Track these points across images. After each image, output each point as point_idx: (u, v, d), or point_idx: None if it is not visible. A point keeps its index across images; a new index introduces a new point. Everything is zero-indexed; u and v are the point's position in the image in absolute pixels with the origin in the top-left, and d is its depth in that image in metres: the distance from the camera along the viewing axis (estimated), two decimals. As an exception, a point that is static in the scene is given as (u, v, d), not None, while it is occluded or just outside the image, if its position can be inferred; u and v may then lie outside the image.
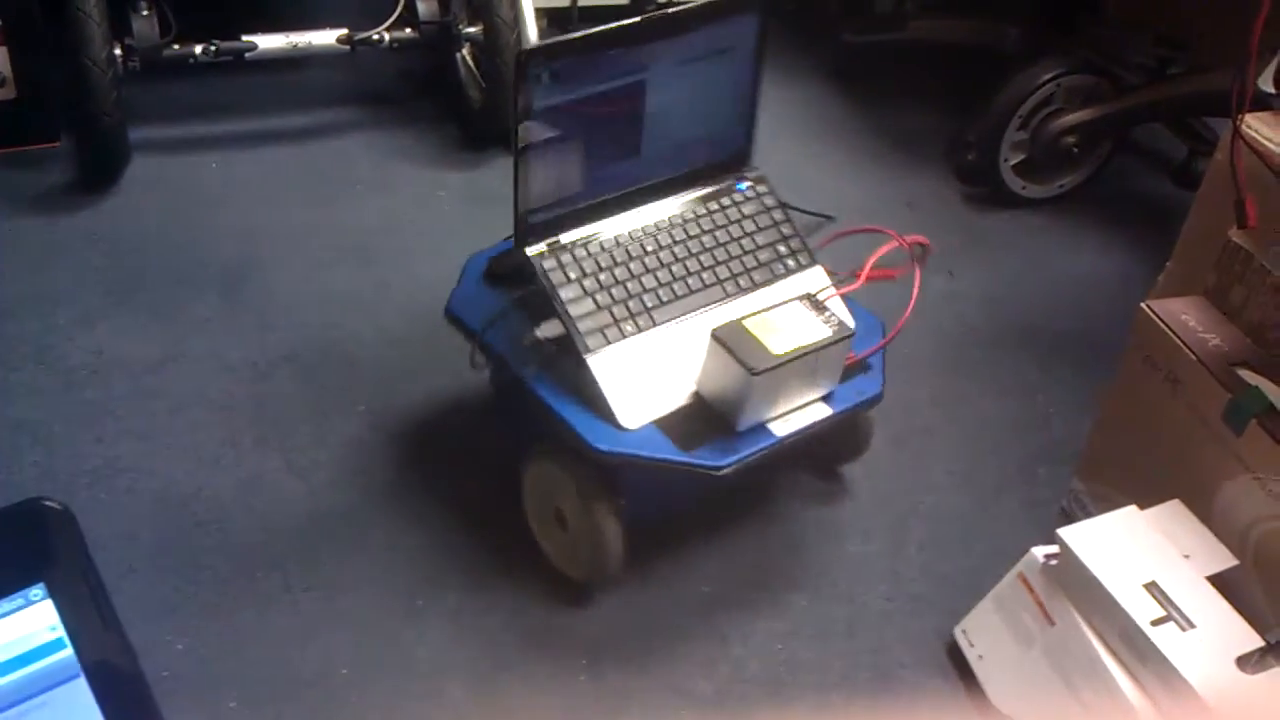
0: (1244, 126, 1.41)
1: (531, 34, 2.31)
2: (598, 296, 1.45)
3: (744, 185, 1.60)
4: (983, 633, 1.48)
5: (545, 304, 1.44)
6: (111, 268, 2.03)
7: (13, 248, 2.05)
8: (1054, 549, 1.37)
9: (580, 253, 1.47)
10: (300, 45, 2.31)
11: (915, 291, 1.52)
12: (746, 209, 1.58)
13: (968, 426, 1.86)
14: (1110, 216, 2.42)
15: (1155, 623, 1.25)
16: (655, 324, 1.46)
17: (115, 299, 1.96)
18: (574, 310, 1.43)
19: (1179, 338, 1.45)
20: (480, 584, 1.54)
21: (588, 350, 1.41)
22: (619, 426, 1.38)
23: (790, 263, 1.58)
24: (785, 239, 1.59)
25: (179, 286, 2.00)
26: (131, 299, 1.96)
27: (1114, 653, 1.29)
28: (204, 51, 2.24)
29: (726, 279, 1.53)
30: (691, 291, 1.50)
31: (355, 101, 2.59)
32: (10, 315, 1.90)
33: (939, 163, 2.53)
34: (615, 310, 1.44)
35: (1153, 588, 1.28)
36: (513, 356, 1.47)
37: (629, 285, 1.47)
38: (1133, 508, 1.39)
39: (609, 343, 1.42)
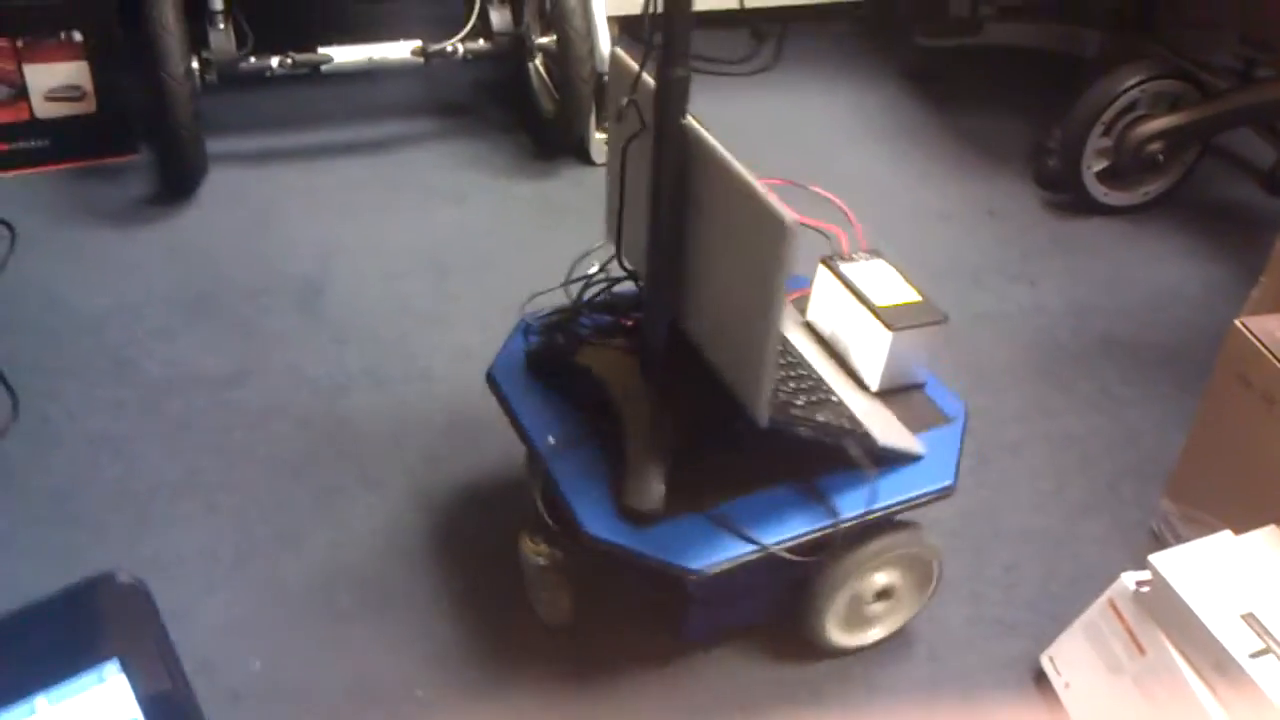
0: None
1: (604, 44, 2.30)
2: None
3: None
4: (1070, 660, 1.44)
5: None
6: (189, 280, 2.04)
7: (92, 260, 2.08)
8: (1145, 575, 1.33)
9: None
10: (376, 59, 2.32)
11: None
12: None
13: (1054, 443, 1.82)
14: (1197, 224, 2.36)
15: (1253, 656, 1.21)
16: None
17: (193, 312, 1.97)
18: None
19: (1276, 357, 1.40)
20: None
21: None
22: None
23: None
24: None
25: (256, 299, 2.01)
26: (209, 312, 1.98)
27: (1209, 684, 1.25)
28: (280, 64, 2.25)
29: None
30: None
31: (428, 112, 2.60)
32: (90, 328, 1.92)
33: (1019, 168, 2.49)
34: None
35: (1250, 619, 1.24)
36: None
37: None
38: (1227, 533, 1.35)
39: None
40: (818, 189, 1.46)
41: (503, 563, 1.56)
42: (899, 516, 1.38)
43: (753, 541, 1.26)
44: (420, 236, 2.20)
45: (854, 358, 1.45)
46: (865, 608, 1.46)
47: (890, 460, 1.36)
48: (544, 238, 2.21)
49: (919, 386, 1.46)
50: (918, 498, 1.35)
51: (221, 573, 1.55)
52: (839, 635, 1.47)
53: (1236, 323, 1.47)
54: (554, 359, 1.45)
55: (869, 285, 1.44)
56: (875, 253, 1.52)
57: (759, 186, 1.11)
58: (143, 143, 2.36)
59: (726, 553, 1.25)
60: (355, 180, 2.35)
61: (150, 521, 1.61)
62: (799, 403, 1.32)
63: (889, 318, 1.40)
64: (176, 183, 2.24)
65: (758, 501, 1.30)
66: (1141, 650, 1.33)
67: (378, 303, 2.02)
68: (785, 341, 1.45)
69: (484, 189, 2.34)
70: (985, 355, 1.98)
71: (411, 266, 2.11)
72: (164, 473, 1.68)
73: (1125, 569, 1.37)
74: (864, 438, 1.34)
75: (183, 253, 2.11)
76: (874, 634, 1.50)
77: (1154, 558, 1.31)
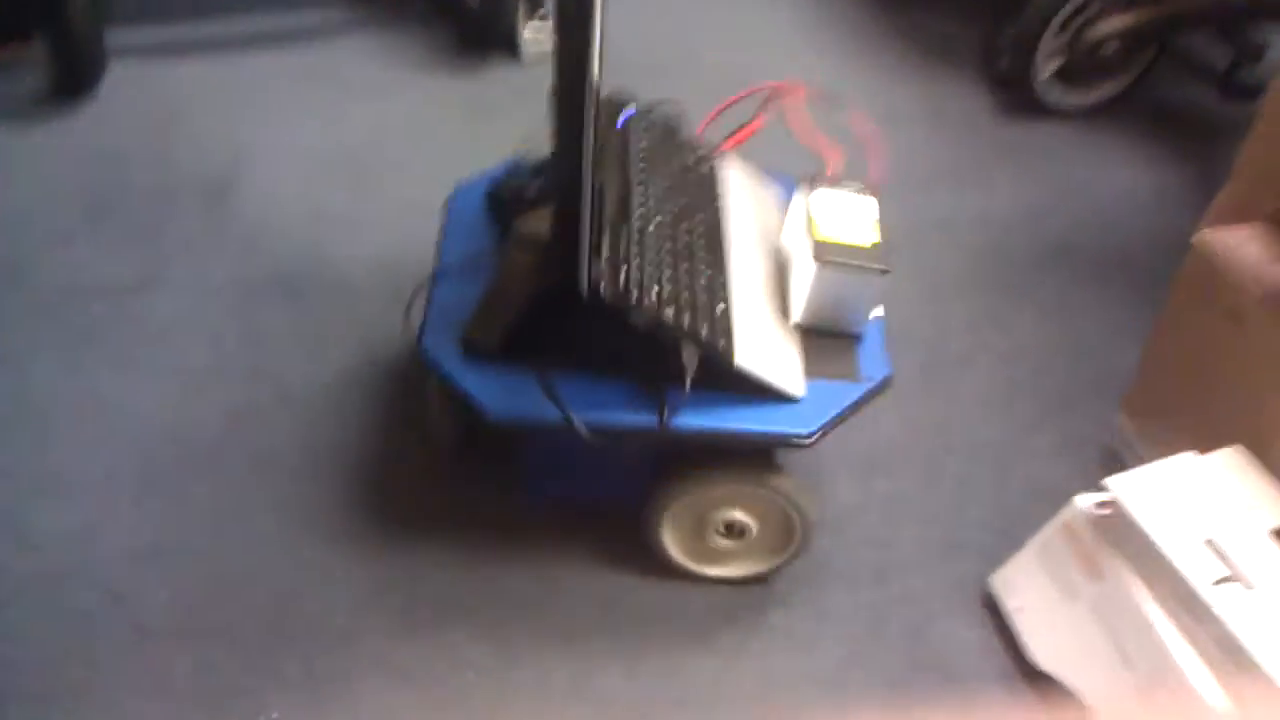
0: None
1: (535, -72, 2.17)
2: None
3: None
4: (1022, 584, 1.38)
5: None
6: (88, 183, 1.90)
7: (-19, 161, 1.93)
8: (1102, 497, 1.27)
9: None
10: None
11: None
12: None
13: (1004, 354, 1.76)
14: (1151, 128, 2.28)
15: (1216, 583, 1.15)
16: None
17: (92, 217, 1.84)
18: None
19: (1241, 272, 1.33)
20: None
21: None
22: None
23: None
24: None
25: (160, 203, 1.88)
26: (109, 217, 1.84)
27: (1169, 613, 1.20)
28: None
29: None
30: None
31: (346, 0, 2.44)
32: (-20, 234, 1.78)
33: (971, 70, 2.39)
34: None
35: (1212, 545, 1.18)
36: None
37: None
38: (1189, 454, 1.29)
39: None
40: (857, 115, 1.35)
41: (426, 486, 1.48)
42: (762, 457, 1.32)
43: (559, 410, 1.22)
44: (337, 135, 2.06)
45: (791, 285, 1.36)
46: (713, 538, 1.38)
47: (747, 388, 1.25)
48: (469, 139, 2.08)
49: (851, 337, 1.34)
50: (761, 435, 1.25)
51: (127, 496, 1.45)
52: (681, 556, 1.41)
53: (1199, 235, 1.40)
54: (502, 199, 1.42)
55: (829, 216, 1.32)
56: (872, 189, 1.37)
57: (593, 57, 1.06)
58: (37, 34, 2.19)
59: (528, 410, 1.23)
60: (267, 74, 2.20)
61: (49, 441, 1.50)
62: (662, 298, 1.22)
63: (823, 251, 1.27)
64: (71, 78, 2.07)
65: (597, 384, 1.25)
66: (1098, 575, 1.27)
67: (291, 206, 1.90)
68: (712, 245, 1.34)
69: (405, 84, 2.20)
70: (935, 264, 1.91)
71: (327, 169, 1.98)
72: (62, 390, 1.57)
73: (1077, 485, 1.31)
74: (717, 352, 1.23)
75: (81, 153, 1.96)
76: (719, 570, 1.43)
77: (1112, 481, 1.24)
